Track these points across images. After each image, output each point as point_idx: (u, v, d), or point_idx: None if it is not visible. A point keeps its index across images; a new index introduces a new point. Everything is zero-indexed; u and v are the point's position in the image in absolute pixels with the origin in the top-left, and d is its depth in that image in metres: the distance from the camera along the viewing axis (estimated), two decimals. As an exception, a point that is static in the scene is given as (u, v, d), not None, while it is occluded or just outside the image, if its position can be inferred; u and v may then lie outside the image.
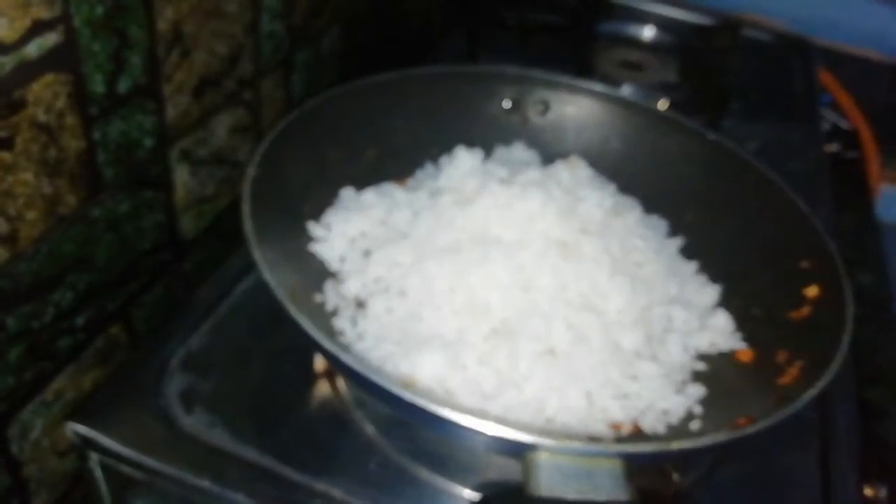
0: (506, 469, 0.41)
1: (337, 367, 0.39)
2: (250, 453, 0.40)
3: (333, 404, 0.43)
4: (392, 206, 0.49)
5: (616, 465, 0.32)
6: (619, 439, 0.39)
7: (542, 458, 0.32)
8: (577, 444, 0.32)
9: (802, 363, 0.40)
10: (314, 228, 0.47)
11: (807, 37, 0.94)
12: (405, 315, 0.42)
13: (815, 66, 0.87)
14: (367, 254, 0.47)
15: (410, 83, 0.54)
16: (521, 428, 0.32)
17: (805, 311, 0.44)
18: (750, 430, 0.34)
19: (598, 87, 0.58)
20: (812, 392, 0.36)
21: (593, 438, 0.39)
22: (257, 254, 0.38)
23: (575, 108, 0.58)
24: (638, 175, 0.56)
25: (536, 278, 0.43)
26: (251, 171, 0.42)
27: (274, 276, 0.37)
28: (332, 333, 0.43)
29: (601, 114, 0.58)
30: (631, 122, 0.57)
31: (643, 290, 0.45)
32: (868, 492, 0.46)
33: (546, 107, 0.58)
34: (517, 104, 0.55)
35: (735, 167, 0.52)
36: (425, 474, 0.40)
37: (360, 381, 0.35)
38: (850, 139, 0.84)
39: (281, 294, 0.36)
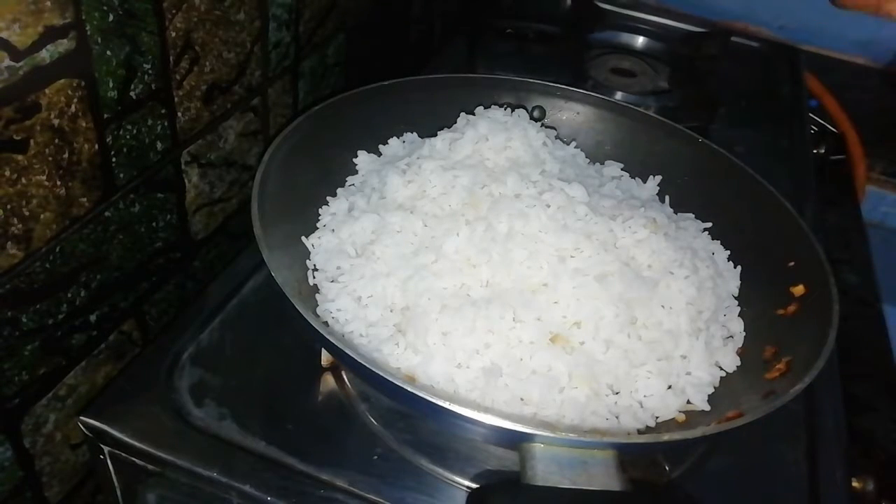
0: (503, 460, 0.42)
1: (343, 361, 0.41)
2: (258, 445, 0.41)
3: (338, 398, 0.45)
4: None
5: (609, 456, 0.33)
6: (612, 431, 0.41)
7: (538, 448, 0.33)
8: (571, 435, 0.33)
9: (789, 359, 0.41)
10: (307, 242, 0.47)
11: (794, 43, 0.96)
12: (407, 316, 0.43)
13: (802, 72, 0.89)
14: (362, 253, 0.47)
15: (412, 90, 0.55)
16: (517, 419, 0.33)
17: (792, 308, 0.45)
18: (737, 423, 0.35)
19: (591, 93, 0.59)
20: (799, 387, 0.37)
21: (587, 430, 0.40)
22: (266, 253, 0.39)
23: (570, 114, 0.60)
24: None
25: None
26: (260, 174, 0.43)
27: (282, 274, 0.39)
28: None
29: (595, 119, 0.59)
30: (623, 127, 0.58)
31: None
32: (856, 484, 0.47)
33: (542, 112, 0.60)
34: (514, 110, 0.57)
35: (724, 170, 0.53)
36: (426, 465, 0.41)
37: (365, 375, 0.36)
38: (836, 142, 0.86)
39: (289, 292, 0.37)
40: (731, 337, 0.46)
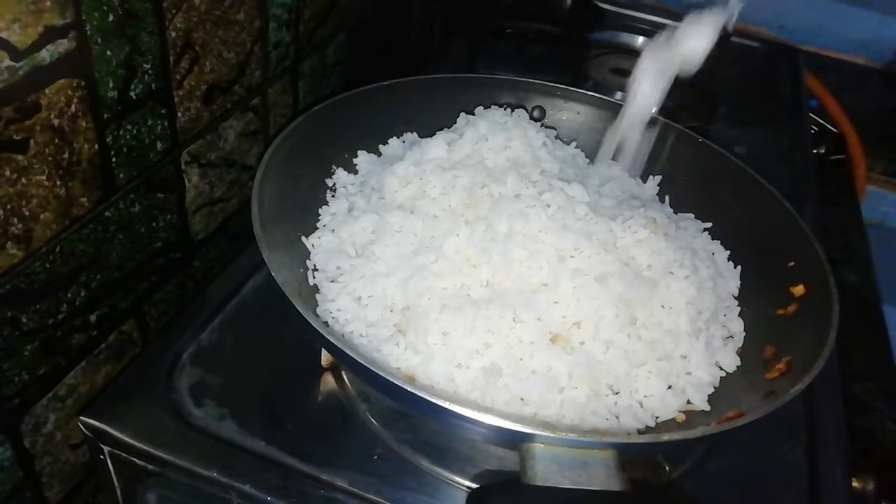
0: (504, 460, 0.42)
1: (343, 361, 0.41)
2: (258, 445, 0.41)
3: (338, 398, 0.45)
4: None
5: (609, 456, 0.33)
6: (612, 431, 0.40)
7: (538, 448, 0.33)
8: (571, 435, 0.33)
9: (789, 359, 0.41)
10: (307, 242, 0.47)
11: (794, 43, 0.96)
12: (407, 316, 0.43)
13: (802, 72, 0.89)
14: (362, 253, 0.47)
15: (412, 90, 0.55)
16: (517, 419, 0.33)
17: (792, 308, 0.45)
18: (737, 423, 0.35)
19: (591, 93, 0.59)
20: (799, 387, 0.37)
21: (587, 430, 0.40)
22: (266, 253, 0.39)
23: (569, 114, 0.60)
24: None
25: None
26: (260, 174, 0.43)
27: (282, 274, 0.38)
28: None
29: (595, 119, 0.59)
30: None
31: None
32: (856, 484, 0.47)
33: (542, 112, 0.60)
34: (514, 110, 0.57)
35: (724, 170, 0.53)
36: (426, 465, 0.41)
37: (365, 375, 0.36)
38: (836, 142, 0.86)
39: (289, 292, 0.37)
40: (731, 337, 0.46)
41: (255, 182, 0.43)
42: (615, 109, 0.58)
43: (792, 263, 0.47)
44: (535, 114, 0.59)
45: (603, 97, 0.59)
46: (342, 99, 0.52)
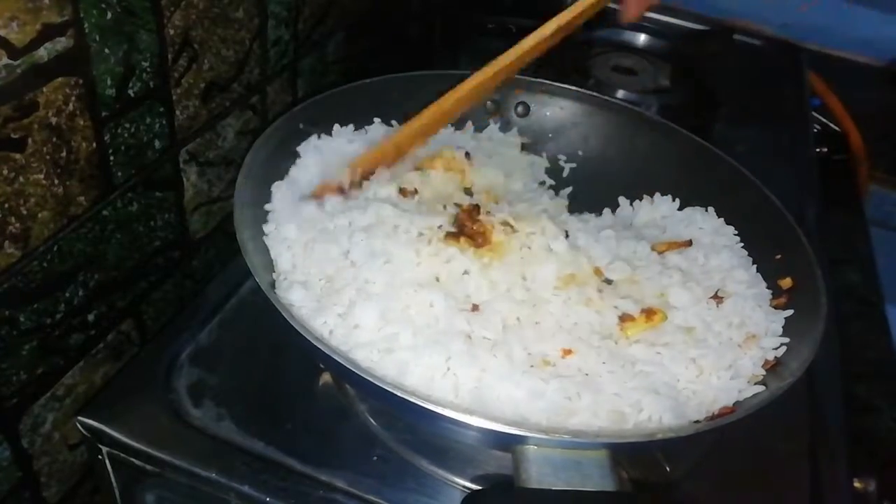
0: (504, 460, 0.41)
1: (324, 363, 0.40)
2: (257, 445, 0.41)
3: (337, 398, 0.44)
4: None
5: (603, 456, 0.33)
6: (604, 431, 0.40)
7: (531, 450, 0.33)
8: (563, 436, 0.33)
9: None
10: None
11: (797, 41, 0.95)
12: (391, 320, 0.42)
13: (804, 70, 0.88)
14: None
15: (394, 87, 0.54)
16: (508, 422, 0.33)
17: (781, 301, 0.45)
18: (729, 419, 0.36)
19: (574, 88, 0.58)
20: (789, 381, 0.37)
21: (580, 431, 0.40)
22: (250, 257, 0.39)
23: (554, 109, 0.59)
24: (618, 172, 0.56)
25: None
26: (241, 180, 0.43)
27: (266, 279, 0.38)
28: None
29: (579, 114, 0.59)
30: (608, 122, 0.58)
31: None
32: (857, 484, 0.47)
33: (526, 108, 0.59)
34: (498, 106, 0.56)
35: (708, 161, 0.53)
36: (426, 465, 0.41)
37: (351, 379, 0.36)
38: (839, 141, 0.86)
39: (274, 297, 0.37)
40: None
41: (238, 187, 0.42)
42: (599, 104, 0.58)
43: (779, 256, 0.46)
44: (519, 110, 0.59)
45: (586, 92, 0.58)
46: (323, 98, 0.51)
